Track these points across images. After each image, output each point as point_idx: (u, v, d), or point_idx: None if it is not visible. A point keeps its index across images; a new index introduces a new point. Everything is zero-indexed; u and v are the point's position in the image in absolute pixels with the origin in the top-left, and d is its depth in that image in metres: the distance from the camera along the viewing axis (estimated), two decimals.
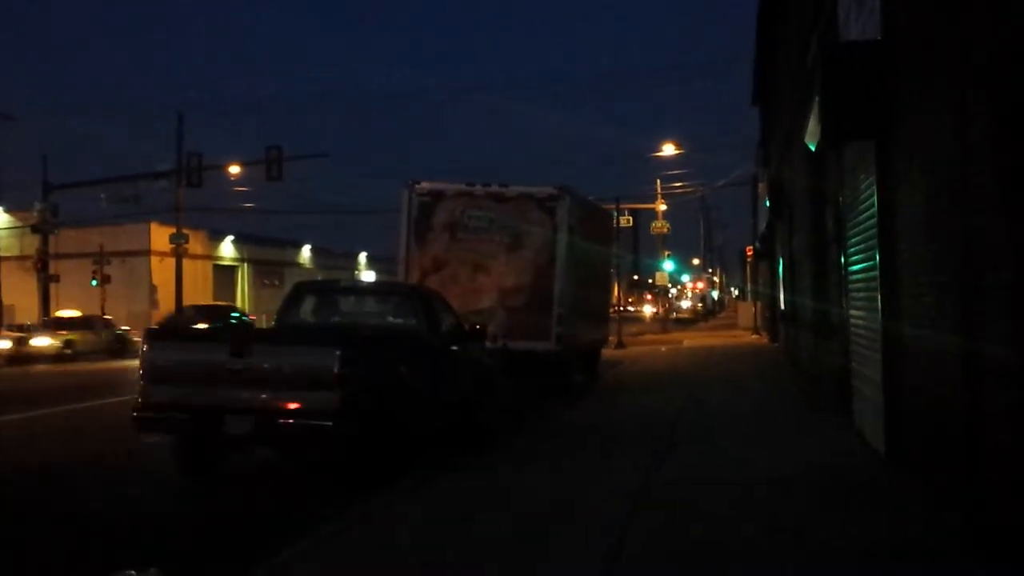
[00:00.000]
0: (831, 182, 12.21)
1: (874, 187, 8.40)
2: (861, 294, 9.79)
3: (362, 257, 78.32)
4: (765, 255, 33.71)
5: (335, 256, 73.58)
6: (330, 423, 8.25)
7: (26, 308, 46.84)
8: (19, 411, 15.92)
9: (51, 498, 8.92)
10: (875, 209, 8.39)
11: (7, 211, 47.76)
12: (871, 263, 8.81)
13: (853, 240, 10.14)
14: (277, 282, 62.43)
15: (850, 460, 8.95)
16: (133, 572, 5.94)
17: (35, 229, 40.27)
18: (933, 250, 6.55)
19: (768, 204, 27.01)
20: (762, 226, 32.38)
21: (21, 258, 45.69)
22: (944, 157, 6.09)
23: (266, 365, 8.63)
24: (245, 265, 62.54)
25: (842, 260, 11.01)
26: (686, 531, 6.44)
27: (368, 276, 65.65)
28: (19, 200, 46.41)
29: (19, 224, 46.20)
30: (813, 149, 10.50)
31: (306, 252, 70.69)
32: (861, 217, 9.44)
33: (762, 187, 33.14)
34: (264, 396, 8.53)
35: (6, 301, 45.21)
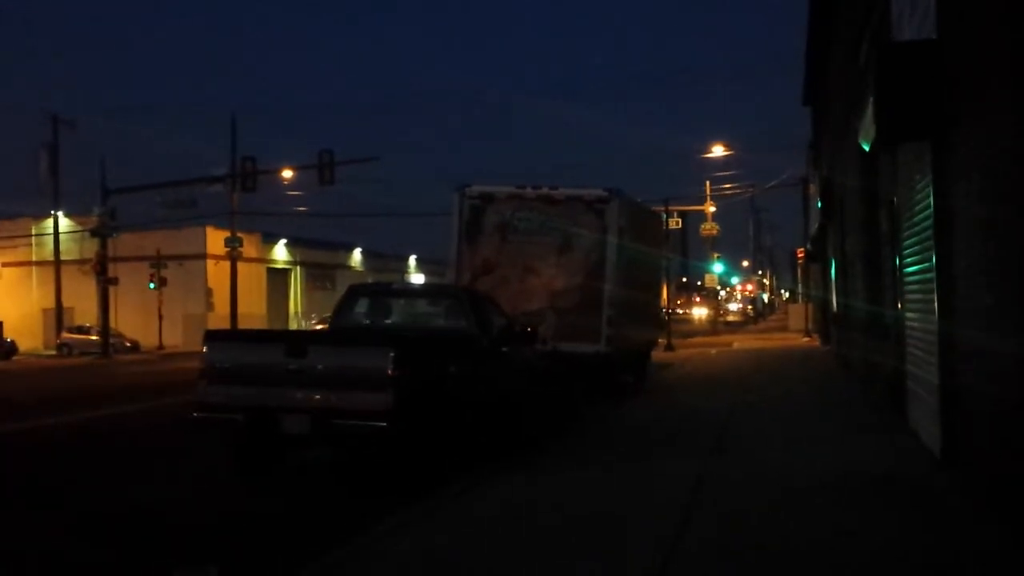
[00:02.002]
0: (885, 183, 12.08)
1: (930, 188, 8.32)
2: (916, 296, 9.69)
3: (412, 260, 78.85)
4: (816, 257, 33.33)
5: (385, 259, 74.14)
6: (384, 423, 8.38)
7: (85, 311, 47.97)
8: None
9: (107, 497, 9.15)
10: (931, 210, 8.30)
11: (67, 215, 48.85)
12: (927, 264, 8.71)
13: (908, 241, 10.03)
14: (329, 285, 63.09)
15: (905, 462, 8.85)
16: (193, 570, 6.13)
17: (94, 233, 41.16)
18: (992, 251, 6.48)
19: (819, 205, 26.72)
20: (813, 228, 32.05)
21: (81, 261, 46.76)
22: (1002, 157, 6.02)
23: (321, 366, 8.80)
24: (298, 268, 63.28)
25: (896, 262, 10.89)
26: (739, 534, 6.43)
27: (418, 278, 66.12)
28: (79, 204, 47.51)
29: (79, 228, 47.25)
30: (867, 149, 10.40)
31: (357, 255, 71.33)
32: (917, 218, 9.35)
33: (813, 188, 32.82)
34: (319, 396, 8.69)
35: (66, 304, 46.33)
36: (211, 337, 9.75)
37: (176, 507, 8.50)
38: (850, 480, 8.12)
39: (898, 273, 10.83)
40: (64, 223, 48.01)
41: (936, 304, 8.27)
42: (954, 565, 5.63)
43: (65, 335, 45.70)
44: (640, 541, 6.32)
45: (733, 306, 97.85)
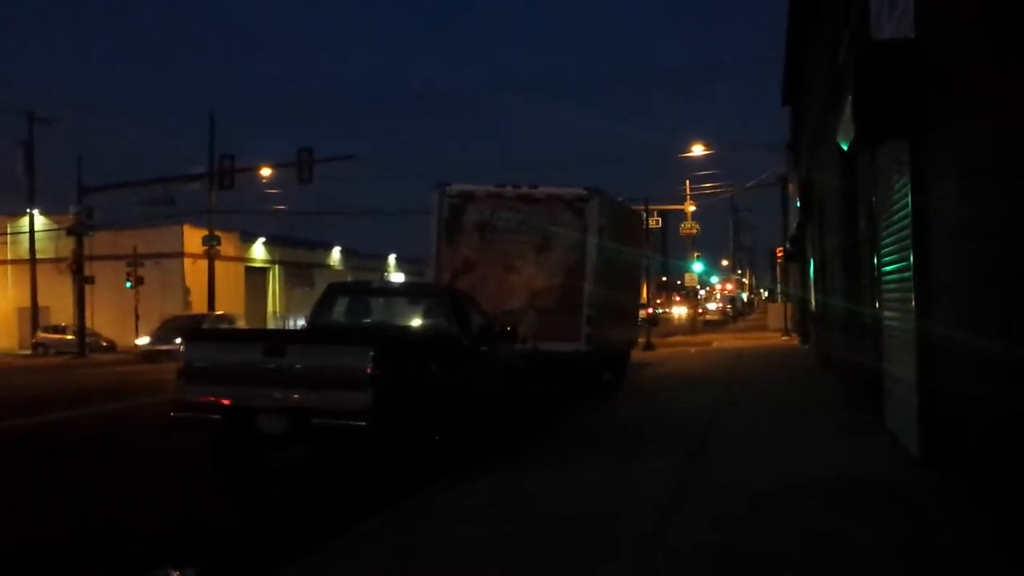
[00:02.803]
0: (863, 182, 12.14)
1: (908, 187, 8.35)
2: (895, 295, 9.73)
3: (391, 259, 78.62)
4: (795, 256, 33.52)
5: (364, 258, 73.86)
6: (363, 423, 8.34)
7: (61, 310, 47.53)
8: None
9: (86, 497, 9.05)
10: (909, 209, 8.34)
11: (43, 214, 48.39)
12: (905, 264, 8.75)
13: (886, 241, 10.08)
14: (308, 284, 62.80)
15: (883, 462, 8.89)
16: (170, 570, 6.07)
17: (70, 231, 40.80)
18: (970, 251, 6.51)
19: (799, 205, 26.85)
20: (792, 227, 32.19)
21: (57, 260, 46.33)
22: (980, 157, 6.05)
23: (300, 365, 8.74)
24: (276, 267, 62.95)
25: (875, 261, 10.94)
26: (717, 535, 6.43)
27: (397, 277, 65.90)
28: (55, 203, 47.11)
29: (55, 226, 46.82)
30: (846, 149, 10.46)
31: (336, 254, 71.04)
32: (895, 218, 9.39)
33: (792, 188, 32.97)
34: (298, 396, 8.63)
35: (42, 303, 45.89)
36: (189, 336, 9.67)
37: (151, 509, 8.41)
38: (828, 480, 8.13)
39: (876, 272, 10.88)
40: (40, 221, 47.57)
41: (914, 303, 8.31)
42: (933, 563, 5.64)
43: (40, 335, 45.26)
44: (623, 539, 6.30)
45: (711, 305, 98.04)
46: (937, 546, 5.98)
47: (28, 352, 45.33)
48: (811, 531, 6.42)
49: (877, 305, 10.97)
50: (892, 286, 9.87)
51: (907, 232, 8.52)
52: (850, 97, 8.50)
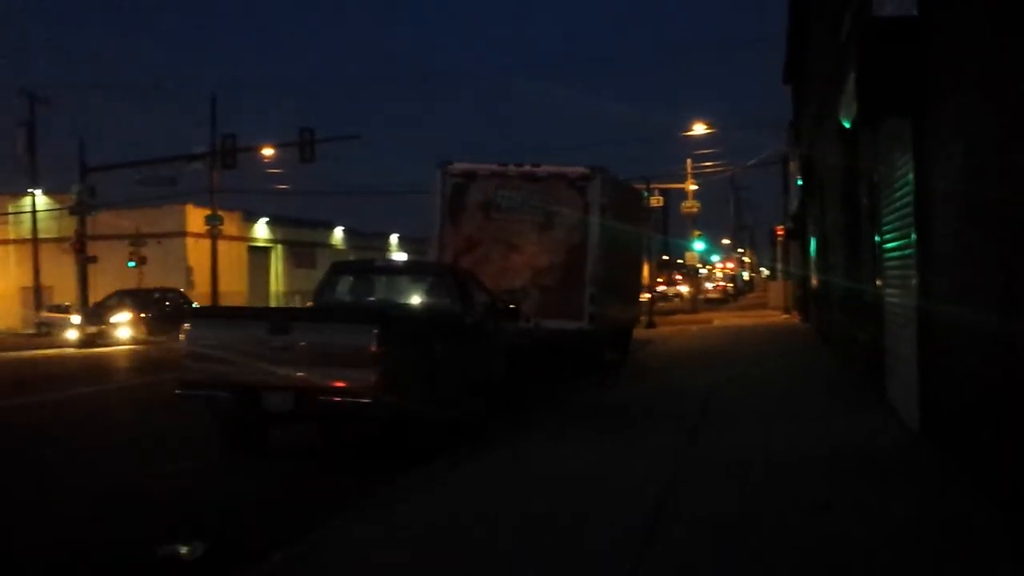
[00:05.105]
0: (865, 160, 12.14)
1: (910, 165, 8.38)
2: (896, 272, 9.78)
3: (393, 238, 78.60)
4: (796, 234, 33.50)
5: (367, 237, 73.82)
6: (368, 400, 8.41)
7: (64, 289, 47.55)
8: None
9: (92, 473, 9.13)
10: (911, 187, 8.37)
11: (45, 193, 48.35)
12: (907, 241, 8.79)
13: (888, 218, 10.11)
14: (310, 263, 62.83)
15: (883, 436, 8.97)
16: (179, 546, 6.16)
17: (73, 211, 40.76)
18: (970, 228, 6.54)
19: (800, 183, 26.83)
20: (793, 205, 32.18)
21: (59, 240, 46.31)
22: (982, 134, 6.08)
23: (304, 343, 8.80)
24: (279, 246, 62.95)
25: (877, 238, 10.97)
26: (719, 508, 6.51)
27: (399, 256, 65.92)
28: (57, 182, 46.97)
29: (57, 206, 46.77)
30: (848, 126, 10.47)
31: (338, 233, 71.01)
32: (897, 195, 9.42)
33: (793, 166, 32.91)
34: (303, 373, 8.70)
35: (44, 283, 45.95)
36: (193, 314, 9.73)
37: (161, 486, 8.49)
38: (829, 454, 8.22)
39: (878, 250, 10.91)
40: (42, 201, 47.51)
41: (915, 280, 8.35)
42: (933, 533, 5.72)
43: (43, 314, 45.31)
44: (626, 510, 6.38)
45: (709, 284, 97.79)
46: (934, 515, 6.05)
47: (32, 331, 45.43)
48: (810, 501, 6.49)
49: (878, 282, 11.01)
50: (894, 263, 9.91)
51: (909, 209, 8.55)
52: (852, 74, 8.52)
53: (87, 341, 33.42)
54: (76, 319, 36.44)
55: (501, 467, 8.29)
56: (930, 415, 8.17)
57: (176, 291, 40.11)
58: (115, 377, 20.61)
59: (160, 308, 36.26)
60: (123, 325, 33.86)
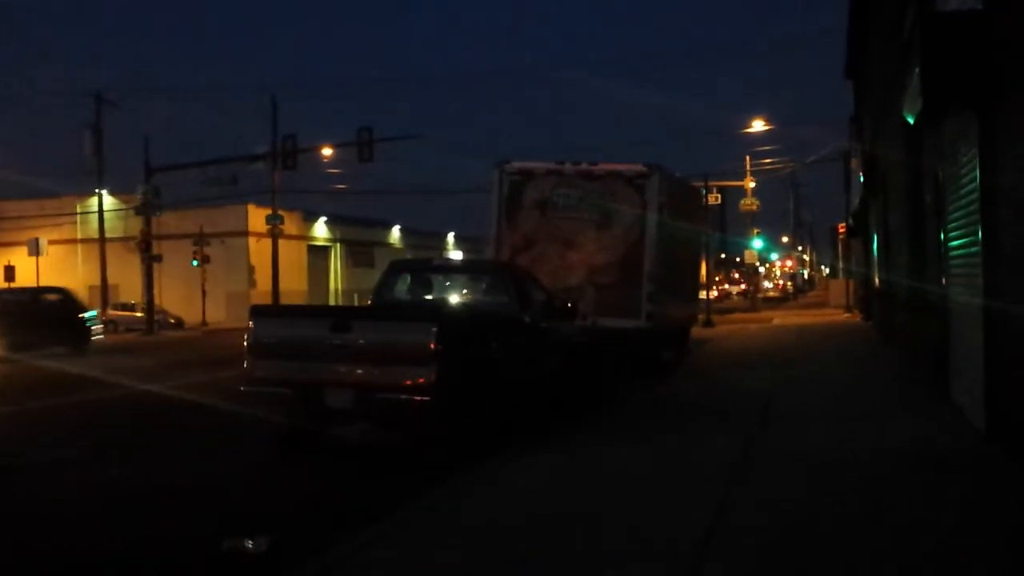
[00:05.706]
0: (929, 156, 11.93)
1: (977, 160, 8.22)
2: (962, 270, 9.59)
3: (450, 237, 79.03)
4: (858, 232, 32.94)
5: (424, 236, 74.37)
6: (427, 397, 8.50)
7: (130, 288, 48.69)
8: None
9: (154, 471, 9.31)
10: (977, 183, 8.21)
11: (111, 194, 49.48)
12: (973, 239, 8.62)
13: (953, 216, 9.92)
14: (368, 262, 63.46)
15: (949, 438, 8.81)
16: (245, 540, 6.28)
17: (138, 211, 41.68)
18: None
19: (862, 180, 26.38)
20: (855, 202, 31.64)
21: (125, 239, 47.40)
22: None
23: (365, 340, 8.92)
24: (338, 245, 63.71)
25: (941, 236, 10.77)
26: (781, 509, 6.46)
27: (456, 255, 66.25)
28: (122, 183, 48.09)
29: (123, 206, 47.87)
30: (912, 122, 10.27)
31: (396, 232, 71.64)
32: (962, 192, 9.24)
33: (855, 162, 32.37)
34: (363, 371, 8.83)
35: (111, 281, 47.05)
36: (257, 313, 9.91)
37: (227, 481, 8.67)
38: (893, 455, 8.10)
39: (943, 248, 10.72)
40: (108, 201, 48.62)
41: (982, 279, 8.19)
42: (1001, 537, 5.62)
43: (111, 312, 46.39)
44: (691, 507, 6.38)
45: (768, 283, 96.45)
46: (1000, 521, 5.95)
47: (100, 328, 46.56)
48: (869, 505, 6.42)
49: (943, 281, 10.82)
50: (959, 261, 9.73)
51: (975, 206, 8.39)
52: (917, 69, 8.37)
53: None
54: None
55: (560, 466, 8.30)
56: (997, 417, 8.01)
57: (64, 291, 30.68)
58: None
59: (35, 314, 26.60)
60: None
